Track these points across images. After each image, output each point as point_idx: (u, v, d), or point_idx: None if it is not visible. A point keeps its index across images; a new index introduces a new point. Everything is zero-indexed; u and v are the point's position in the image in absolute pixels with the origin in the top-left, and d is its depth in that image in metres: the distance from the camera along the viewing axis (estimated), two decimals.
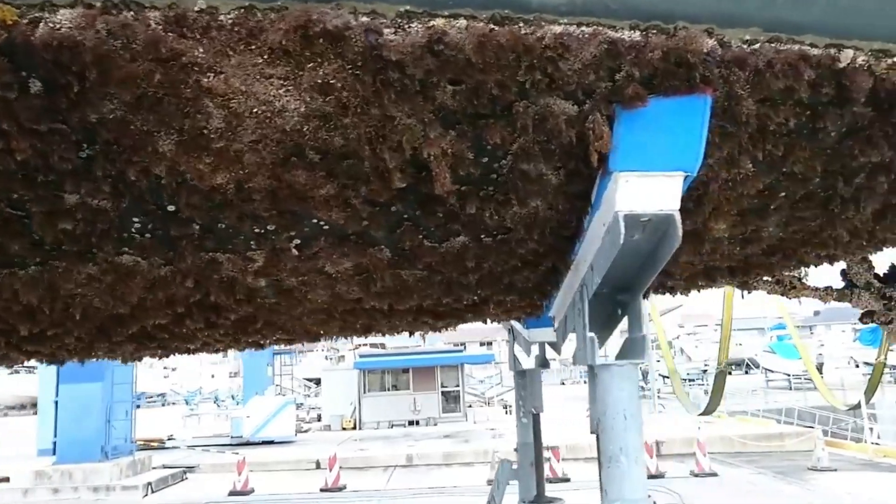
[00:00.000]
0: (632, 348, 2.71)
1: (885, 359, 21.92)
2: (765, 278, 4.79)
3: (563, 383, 68.53)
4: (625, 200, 2.39)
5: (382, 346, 67.12)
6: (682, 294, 4.41)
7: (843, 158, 2.67)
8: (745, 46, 2.23)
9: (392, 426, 32.35)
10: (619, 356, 2.70)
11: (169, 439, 27.26)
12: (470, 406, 38.07)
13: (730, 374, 28.56)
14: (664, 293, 4.44)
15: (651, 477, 17.17)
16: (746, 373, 60.75)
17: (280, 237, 2.81)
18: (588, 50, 2.10)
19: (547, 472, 17.61)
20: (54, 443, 18.84)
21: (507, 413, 38.13)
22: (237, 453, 21.30)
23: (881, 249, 3.91)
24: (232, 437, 26.68)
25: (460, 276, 3.18)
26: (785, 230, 3.29)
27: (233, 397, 52.09)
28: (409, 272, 3.11)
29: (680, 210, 2.46)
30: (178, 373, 73.97)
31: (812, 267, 4.56)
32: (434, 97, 2.11)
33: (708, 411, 25.43)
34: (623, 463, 2.64)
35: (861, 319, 4.93)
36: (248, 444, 25.81)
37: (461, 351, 38.03)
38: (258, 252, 2.94)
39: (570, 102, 2.29)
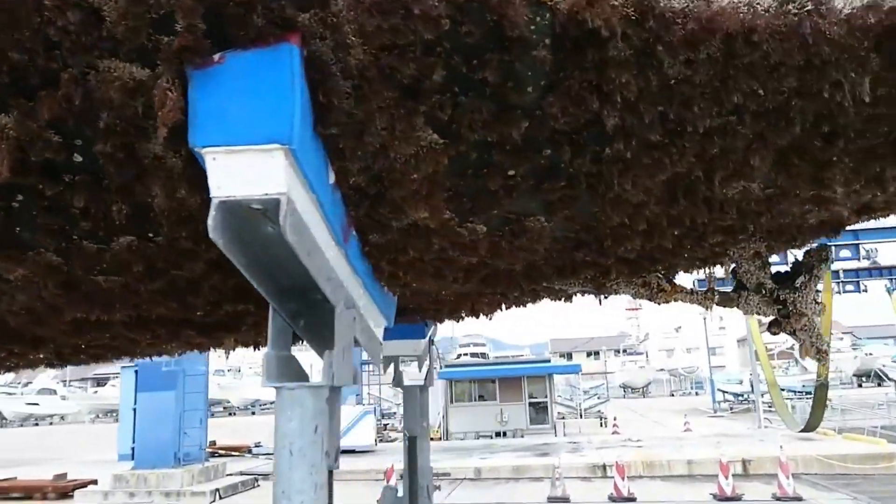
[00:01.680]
0: (295, 369, 2.19)
1: None
2: (624, 281, 4.04)
3: (673, 395, 65.58)
4: (220, 184, 1.90)
5: (484, 355, 66.99)
6: (514, 307, 3.77)
7: (546, 127, 2.05)
8: None
9: (479, 437, 31.87)
10: (289, 376, 2.19)
11: (256, 446, 28.11)
12: (563, 417, 37.00)
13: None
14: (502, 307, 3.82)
15: (726, 500, 15.79)
16: (879, 384, 55.54)
17: None
18: None
19: (611, 491, 16.62)
20: (132, 448, 19.78)
21: (601, 425, 36.75)
22: None
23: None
24: None
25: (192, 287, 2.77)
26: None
27: None
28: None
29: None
30: None
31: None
32: None
33: (809, 428, 23.21)
34: None
35: (769, 329, 4.02)
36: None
37: (548, 361, 37.09)
38: None
39: (137, 65, 1.85)
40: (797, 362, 48.56)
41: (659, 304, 4.52)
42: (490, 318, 4.66)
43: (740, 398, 45.36)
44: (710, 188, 2.47)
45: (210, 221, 1.84)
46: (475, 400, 33.74)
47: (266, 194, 1.87)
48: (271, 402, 67.03)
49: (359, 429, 26.69)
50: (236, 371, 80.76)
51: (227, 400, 69.09)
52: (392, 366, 5.46)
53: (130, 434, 20.25)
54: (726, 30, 1.79)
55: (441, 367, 37.26)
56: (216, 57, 1.80)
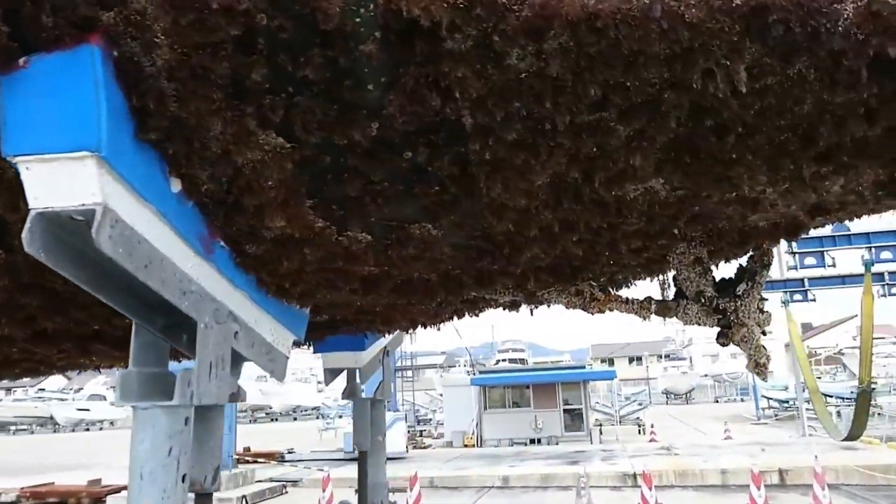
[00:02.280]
0: (161, 387, 2.08)
1: None
2: (556, 290, 3.81)
3: (717, 401, 64.07)
4: (36, 195, 1.81)
5: (523, 361, 66.44)
6: (457, 317, 3.60)
7: (396, 128, 1.90)
8: None
9: (513, 444, 31.57)
10: (150, 395, 2.08)
11: (288, 453, 28.35)
12: (600, 425, 36.41)
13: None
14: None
15: None
16: None
17: None
18: None
19: (638, 501, 16.18)
20: None
21: (639, 433, 36.02)
22: (322, 469, 21.65)
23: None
24: (345, 452, 27.26)
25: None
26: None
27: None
28: None
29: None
30: (332, 387, 77.61)
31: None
32: None
33: (852, 436, 22.29)
34: None
35: (717, 340, 3.73)
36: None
37: (583, 367, 36.60)
38: None
39: None
40: (845, 368, 46.74)
41: (592, 313, 4.28)
42: (439, 329, 4.51)
43: (785, 405, 44.00)
44: (593, 190, 2.27)
45: (25, 234, 1.75)
46: (509, 406, 33.44)
47: (83, 205, 1.76)
48: (314, 408, 67.75)
49: (389, 435, 26.68)
50: None
51: (269, 406, 69.95)
52: (346, 378, 5.34)
53: None
54: (566, 17, 1.61)
55: (475, 374, 37.06)
56: (21, 61, 1.70)
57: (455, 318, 4.41)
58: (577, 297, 4.02)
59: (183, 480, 2.08)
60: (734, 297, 3.50)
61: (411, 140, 1.99)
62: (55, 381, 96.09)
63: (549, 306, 4.17)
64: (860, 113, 2.03)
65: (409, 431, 35.98)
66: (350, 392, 5.44)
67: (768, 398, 44.87)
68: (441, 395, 54.53)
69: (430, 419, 42.22)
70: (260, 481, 21.03)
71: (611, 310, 4.08)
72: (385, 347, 5.26)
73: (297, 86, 1.82)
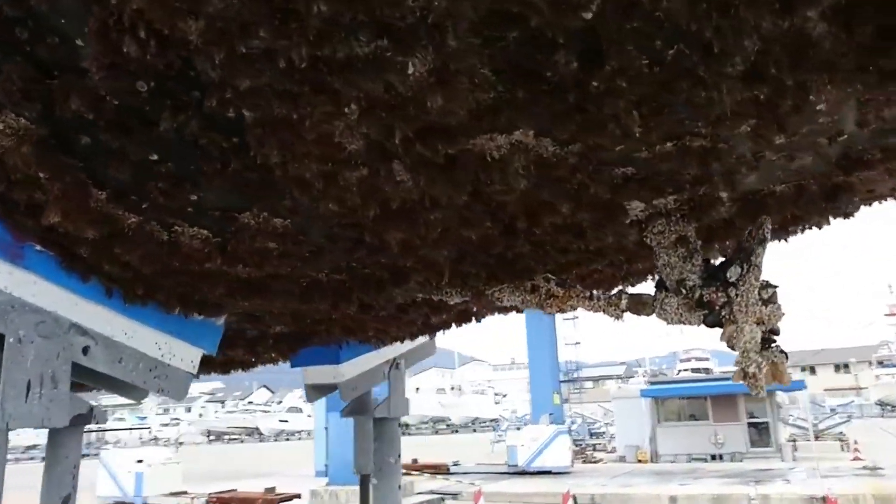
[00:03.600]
0: None
1: None
2: (508, 287, 3.09)
3: None
4: None
5: (707, 370, 62.18)
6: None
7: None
8: None
9: (690, 460, 29.44)
10: None
11: (454, 465, 28.53)
12: (794, 440, 32.90)
13: None
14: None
15: None
16: None
17: None
18: None
19: None
20: (326, 465, 21.01)
21: (842, 450, 32.07)
22: (473, 483, 21.45)
23: None
24: (509, 466, 26.93)
25: None
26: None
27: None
28: None
29: None
30: (509, 399, 77.77)
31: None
32: None
33: None
34: None
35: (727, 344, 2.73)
36: (524, 472, 25.87)
37: None
38: None
39: None
40: None
41: (551, 312, 3.50)
42: (402, 342, 3.99)
43: None
44: (419, 149, 1.75)
45: None
46: (686, 420, 31.26)
47: None
48: (492, 420, 68.24)
49: (552, 449, 26.00)
50: (458, 389, 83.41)
51: (448, 417, 71.38)
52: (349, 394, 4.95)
53: (324, 452, 21.53)
54: None
55: (647, 385, 35.19)
56: None
57: (424, 326, 3.94)
58: (532, 294, 3.36)
59: None
60: (725, 286, 2.66)
61: (156, 104, 1.66)
62: (261, 395, 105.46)
63: (505, 307, 3.55)
64: None
65: (577, 445, 34.85)
66: (350, 410, 5.07)
67: None
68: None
69: (604, 433, 40.66)
70: (420, 493, 21.29)
71: (573, 307, 3.36)
72: (395, 360, 4.85)
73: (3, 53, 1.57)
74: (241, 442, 73.62)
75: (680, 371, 60.10)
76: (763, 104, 1.65)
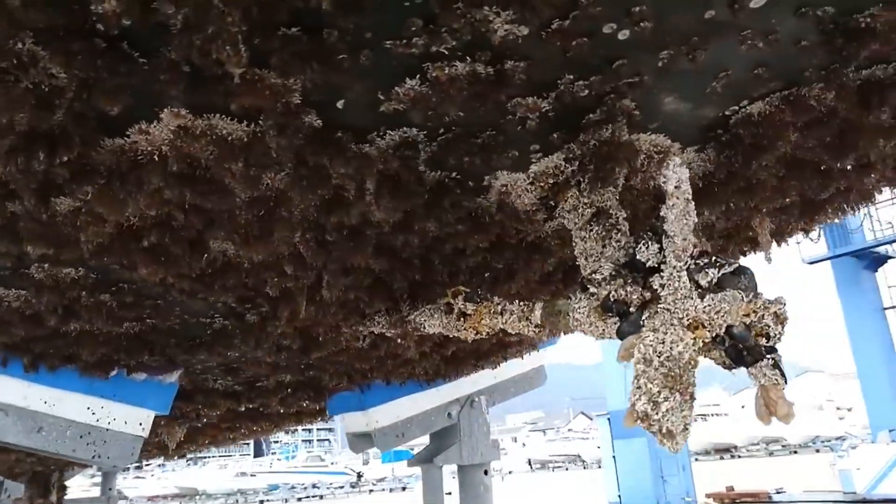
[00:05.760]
0: None
1: None
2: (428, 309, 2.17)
3: None
4: None
5: None
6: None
7: None
8: None
9: None
10: None
11: (776, 493, 25.22)
12: None
13: None
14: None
15: None
16: None
17: None
18: None
19: None
20: (619, 496, 20.07)
21: None
22: None
23: None
24: (844, 493, 22.97)
25: None
26: None
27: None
28: None
29: None
30: (854, 413, 67.20)
31: None
32: None
33: None
34: None
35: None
36: (864, 501, 21.90)
37: None
38: None
39: None
40: None
41: (467, 337, 2.36)
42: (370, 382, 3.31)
43: None
44: None
45: None
46: None
47: None
48: (838, 438, 59.42)
49: None
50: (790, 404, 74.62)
51: (783, 437, 64.03)
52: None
53: (614, 481, 20.64)
54: None
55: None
56: None
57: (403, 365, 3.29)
58: (448, 315, 2.47)
59: None
60: (643, 275, 1.59)
61: None
62: (580, 422, 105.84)
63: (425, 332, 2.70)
64: None
65: None
66: (419, 458, 4.38)
67: None
68: None
69: None
70: None
71: (491, 329, 2.31)
72: (470, 398, 4.03)
73: None
74: (566, 470, 73.96)
75: None
76: None
